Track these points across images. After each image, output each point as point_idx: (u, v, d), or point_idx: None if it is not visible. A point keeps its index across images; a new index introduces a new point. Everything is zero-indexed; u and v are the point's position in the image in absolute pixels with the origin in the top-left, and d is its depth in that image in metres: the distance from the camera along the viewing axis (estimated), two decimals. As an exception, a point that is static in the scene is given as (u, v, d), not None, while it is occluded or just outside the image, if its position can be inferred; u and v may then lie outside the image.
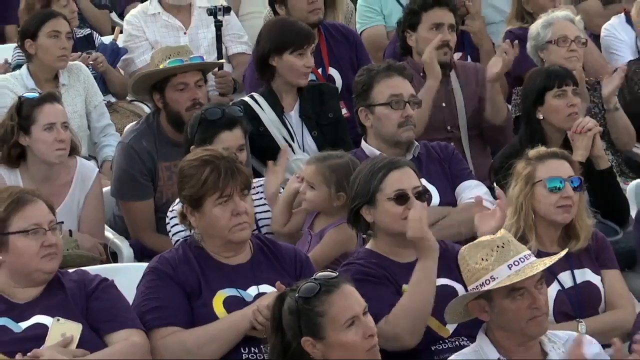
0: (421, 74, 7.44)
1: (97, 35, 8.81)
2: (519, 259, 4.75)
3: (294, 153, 7.07)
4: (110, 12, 10.19)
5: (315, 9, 7.98)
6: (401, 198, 5.47)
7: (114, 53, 8.45)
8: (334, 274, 4.82)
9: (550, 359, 4.83)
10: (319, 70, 7.85)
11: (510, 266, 4.73)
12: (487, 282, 4.73)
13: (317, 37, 7.91)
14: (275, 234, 6.25)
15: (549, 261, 4.82)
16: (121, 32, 8.86)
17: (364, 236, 5.72)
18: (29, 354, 5.05)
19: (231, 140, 6.27)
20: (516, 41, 7.58)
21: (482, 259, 4.76)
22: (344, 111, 7.48)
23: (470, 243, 4.97)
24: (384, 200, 5.48)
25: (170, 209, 6.25)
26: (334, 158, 6.12)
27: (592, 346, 4.94)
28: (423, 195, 5.57)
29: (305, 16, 7.89)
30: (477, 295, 4.78)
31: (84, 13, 9.70)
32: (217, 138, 6.24)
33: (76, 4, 9.53)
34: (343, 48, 8.05)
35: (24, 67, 7.84)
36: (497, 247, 4.78)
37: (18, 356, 5.05)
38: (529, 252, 4.83)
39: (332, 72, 7.92)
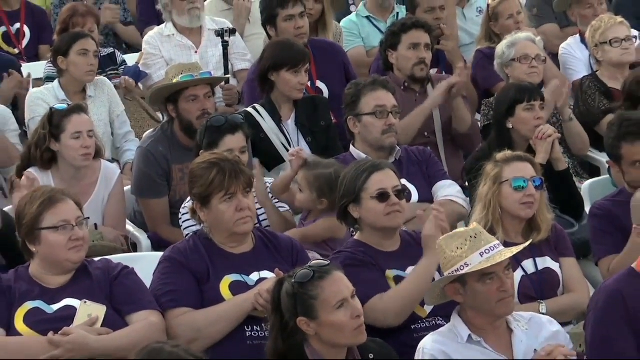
0: (402, 87, 7.42)
1: (119, 53, 8.79)
2: (489, 247, 4.74)
3: (291, 156, 7.05)
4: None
5: (301, 33, 7.94)
6: (382, 196, 5.45)
7: (136, 74, 8.44)
8: (326, 262, 4.83)
9: (515, 336, 4.80)
10: (308, 83, 7.78)
11: (481, 254, 4.72)
12: (462, 267, 4.72)
13: None
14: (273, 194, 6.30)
15: (515, 250, 4.83)
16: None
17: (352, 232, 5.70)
18: (59, 332, 5.03)
19: (234, 142, 6.25)
20: (469, 64, 7.60)
21: (457, 248, 4.75)
22: (333, 120, 7.43)
23: (446, 234, 4.96)
24: (368, 199, 5.46)
25: (182, 205, 6.21)
26: (322, 167, 6.11)
27: (549, 324, 4.92)
28: (402, 194, 5.55)
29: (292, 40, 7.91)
30: (452, 279, 4.76)
31: (118, 31, 9.71)
32: (222, 141, 6.22)
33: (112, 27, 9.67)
34: (329, 63, 8.01)
35: (56, 81, 7.81)
36: (470, 237, 4.76)
37: (50, 334, 5.03)
38: (497, 242, 4.81)
39: (320, 84, 7.88)
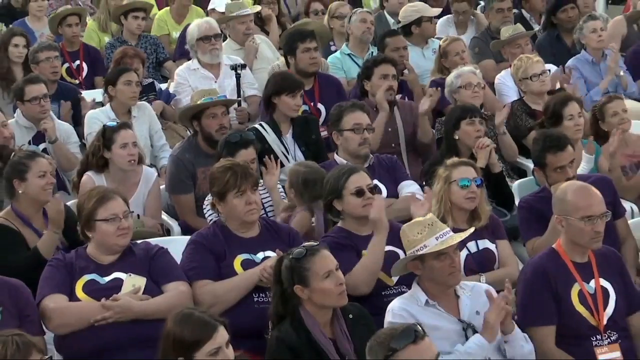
0: (374, 109, 7.40)
1: (157, 83, 8.78)
2: (443, 233, 4.75)
3: (289, 162, 6.98)
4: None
5: (315, 62, 7.93)
6: (359, 193, 5.45)
7: (167, 97, 8.44)
8: (316, 243, 4.82)
9: (461, 300, 4.81)
10: (312, 104, 7.81)
11: (437, 238, 4.72)
12: (422, 248, 4.72)
13: (313, 81, 7.91)
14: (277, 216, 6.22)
15: (463, 235, 4.86)
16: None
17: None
18: (110, 298, 5.02)
19: (246, 155, 6.23)
20: (439, 88, 7.58)
21: (418, 233, 4.75)
22: (325, 133, 7.39)
23: (409, 222, 4.96)
24: (348, 195, 5.46)
25: (205, 200, 6.19)
26: (302, 167, 6.12)
27: (490, 290, 4.92)
28: (374, 190, 5.56)
29: (307, 67, 7.88)
30: (414, 257, 4.76)
31: (167, 68, 9.70)
32: (237, 154, 6.19)
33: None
34: (329, 91, 7.96)
35: (108, 105, 7.78)
36: (428, 225, 4.77)
37: (102, 300, 5.02)
38: (448, 228, 4.83)
39: (320, 106, 7.84)
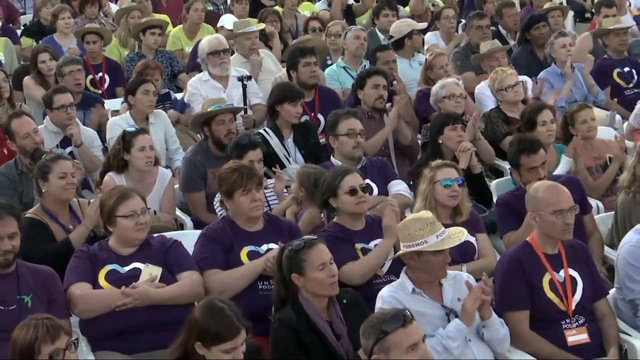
0: (367, 116, 7.38)
1: (172, 92, 8.77)
2: (441, 232, 4.74)
3: (289, 164, 7.00)
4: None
5: (315, 75, 7.91)
6: (353, 192, 5.44)
7: (182, 106, 8.43)
8: (313, 237, 4.82)
9: (444, 288, 4.80)
10: (312, 114, 7.79)
11: (437, 236, 4.71)
12: (422, 243, 4.70)
13: (313, 94, 7.90)
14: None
15: (461, 239, 4.81)
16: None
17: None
18: (129, 286, 5.02)
19: (254, 156, 6.24)
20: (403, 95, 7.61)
21: (420, 229, 4.72)
22: (323, 140, 7.37)
23: (410, 217, 4.94)
24: (343, 194, 5.45)
25: (215, 198, 6.19)
26: (308, 169, 6.11)
27: (469, 280, 4.90)
28: (366, 189, 5.55)
29: (308, 79, 7.86)
30: (414, 250, 4.74)
31: (181, 79, 9.66)
32: (246, 155, 6.20)
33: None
34: (328, 101, 7.94)
35: (127, 112, 7.77)
36: (429, 223, 4.75)
37: (122, 287, 5.02)
38: (444, 228, 4.80)
39: (319, 116, 7.82)
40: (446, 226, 4.96)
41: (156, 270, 5.14)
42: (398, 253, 4.90)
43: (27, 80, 8.84)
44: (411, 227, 4.76)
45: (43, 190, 5.81)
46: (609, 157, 6.96)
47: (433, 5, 11.67)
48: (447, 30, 10.18)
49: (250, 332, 4.14)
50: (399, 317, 4.07)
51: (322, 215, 5.86)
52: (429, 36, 10.28)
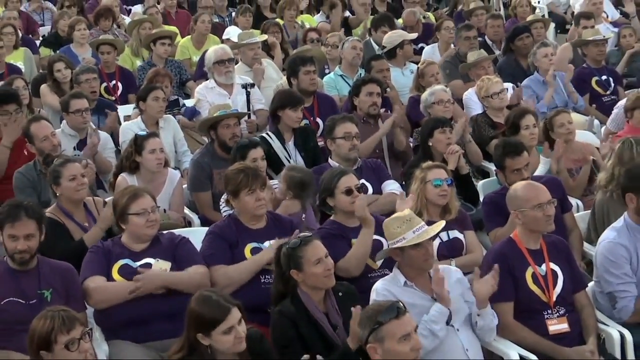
0: (362, 121, 7.37)
1: (181, 99, 8.77)
2: (419, 227, 4.73)
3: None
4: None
5: (314, 83, 7.92)
6: (348, 192, 5.44)
7: (192, 113, 8.42)
8: (310, 234, 4.81)
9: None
10: (312, 119, 7.79)
11: (414, 232, 4.70)
12: (400, 240, 4.71)
13: (312, 100, 7.90)
14: None
15: (435, 229, 4.81)
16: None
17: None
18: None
19: (256, 153, 6.25)
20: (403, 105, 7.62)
21: (397, 227, 4.73)
22: (322, 143, 7.35)
23: (390, 217, 4.93)
24: (339, 194, 5.45)
25: (222, 197, 6.17)
26: (295, 172, 6.02)
27: (457, 273, 4.91)
28: (361, 189, 5.56)
29: (308, 87, 7.86)
30: (395, 248, 4.75)
31: (189, 87, 9.63)
32: (249, 154, 6.21)
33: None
34: (326, 107, 7.94)
35: (139, 117, 7.76)
36: (406, 220, 4.74)
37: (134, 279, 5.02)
38: (423, 223, 4.80)
39: (318, 120, 7.82)
40: (434, 224, 4.94)
41: (166, 265, 5.13)
42: (384, 251, 4.91)
43: (43, 88, 8.83)
44: (390, 227, 4.77)
45: (57, 194, 5.79)
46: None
47: (424, 17, 11.67)
48: (447, 40, 10.16)
49: (254, 322, 4.14)
50: (393, 308, 4.08)
51: (302, 211, 5.81)
52: (427, 50, 10.28)
